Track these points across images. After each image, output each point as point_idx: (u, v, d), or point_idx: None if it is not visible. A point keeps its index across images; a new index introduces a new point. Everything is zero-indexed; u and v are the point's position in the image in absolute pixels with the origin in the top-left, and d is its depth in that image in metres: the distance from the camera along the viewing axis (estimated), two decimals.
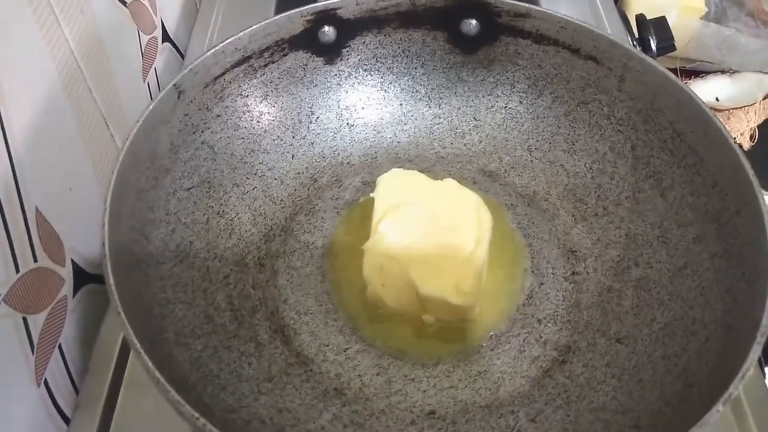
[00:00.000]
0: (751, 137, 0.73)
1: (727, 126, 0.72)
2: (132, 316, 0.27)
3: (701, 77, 0.79)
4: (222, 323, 0.34)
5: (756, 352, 0.26)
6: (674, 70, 0.67)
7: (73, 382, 0.39)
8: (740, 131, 0.72)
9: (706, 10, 0.81)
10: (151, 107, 0.34)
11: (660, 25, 0.63)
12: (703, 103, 0.35)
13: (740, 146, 0.69)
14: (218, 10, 0.64)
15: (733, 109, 0.71)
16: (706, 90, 0.77)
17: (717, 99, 0.76)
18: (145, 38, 0.52)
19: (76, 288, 0.40)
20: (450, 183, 0.39)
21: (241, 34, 0.39)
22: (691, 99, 0.36)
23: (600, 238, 0.39)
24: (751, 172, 0.32)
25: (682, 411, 0.28)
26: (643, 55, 0.38)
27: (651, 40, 0.62)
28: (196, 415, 0.24)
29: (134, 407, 0.37)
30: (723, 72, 0.79)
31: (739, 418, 0.37)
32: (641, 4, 0.77)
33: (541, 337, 0.36)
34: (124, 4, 0.48)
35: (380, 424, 0.32)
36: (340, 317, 0.37)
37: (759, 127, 0.72)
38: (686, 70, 0.80)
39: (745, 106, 0.71)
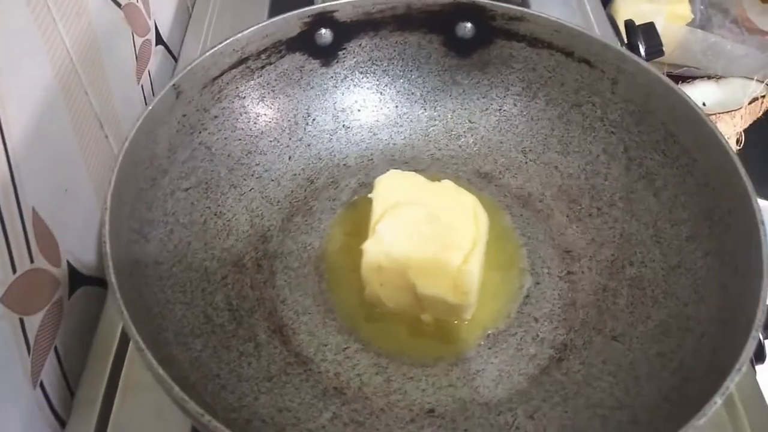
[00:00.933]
0: (738, 141, 0.74)
1: None
2: (133, 315, 0.27)
3: (688, 82, 0.80)
4: (221, 323, 0.34)
5: (751, 345, 0.26)
6: None
7: (68, 384, 0.39)
8: (727, 135, 0.73)
9: (693, 17, 0.83)
10: (151, 107, 0.34)
11: (648, 30, 0.64)
12: (696, 104, 0.36)
13: None
14: (211, 14, 0.64)
15: (719, 113, 0.72)
16: (693, 95, 0.78)
17: (704, 104, 0.77)
18: (139, 40, 0.52)
19: (72, 290, 0.40)
20: (447, 184, 0.40)
21: (239, 35, 0.39)
22: (683, 100, 0.36)
23: (594, 238, 0.40)
24: (743, 171, 0.32)
25: (679, 405, 0.29)
26: (635, 58, 0.38)
27: (640, 46, 0.63)
28: (201, 411, 0.24)
29: (131, 410, 0.37)
30: (709, 77, 0.80)
31: (733, 418, 0.37)
32: (629, 11, 0.78)
33: (538, 335, 0.36)
34: (119, 5, 0.48)
35: (380, 422, 0.32)
36: (338, 317, 0.37)
37: (745, 131, 0.74)
38: (673, 75, 0.81)
39: (731, 111, 0.72)
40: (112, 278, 0.27)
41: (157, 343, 0.29)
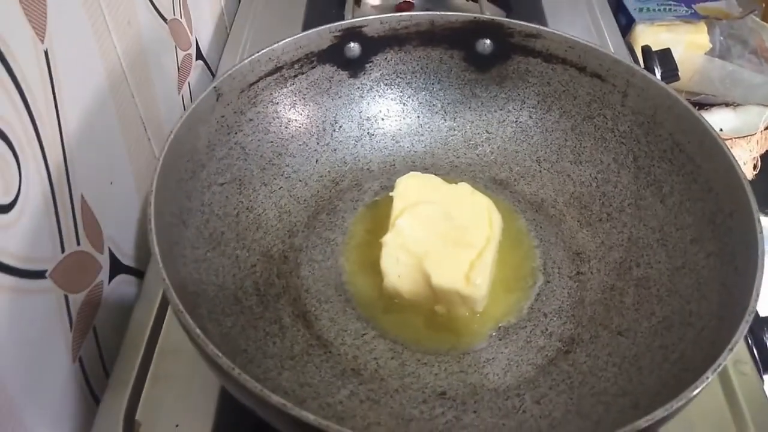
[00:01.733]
0: (755, 167, 0.76)
1: None
2: (173, 284, 0.29)
3: (706, 109, 0.82)
4: (249, 306, 0.37)
5: (744, 328, 0.28)
6: None
7: (104, 364, 0.42)
8: (743, 161, 0.74)
9: (711, 46, 0.85)
10: (194, 105, 0.37)
11: (664, 55, 0.67)
12: (700, 114, 0.38)
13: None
14: (247, 34, 0.68)
15: (735, 138, 0.74)
16: (711, 121, 0.80)
17: (721, 130, 0.79)
18: (181, 54, 0.56)
19: (111, 275, 0.43)
20: (464, 187, 0.42)
21: (275, 45, 0.42)
22: (688, 111, 0.39)
23: (604, 242, 0.42)
24: (743, 175, 0.34)
25: (677, 391, 0.30)
26: (644, 72, 0.41)
27: (656, 70, 0.66)
28: (232, 365, 0.26)
29: (160, 396, 0.39)
30: (727, 105, 0.82)
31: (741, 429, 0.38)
32: (648, 40, 0.80)
33: (546, 329, 0.38)
34: (165, 20, 0.52)
35: (394, 401, 0.34)
36: (357, 306, 0.39)
37: (762, 156, 0.75)
38: (691, 102, 0.83)
39: (747, 136, 0.73)
40: (156, 249, 0.29)
41: (192, 316, 0.32)
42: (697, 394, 0.27)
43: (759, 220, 0.32)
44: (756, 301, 0.29)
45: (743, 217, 0.34)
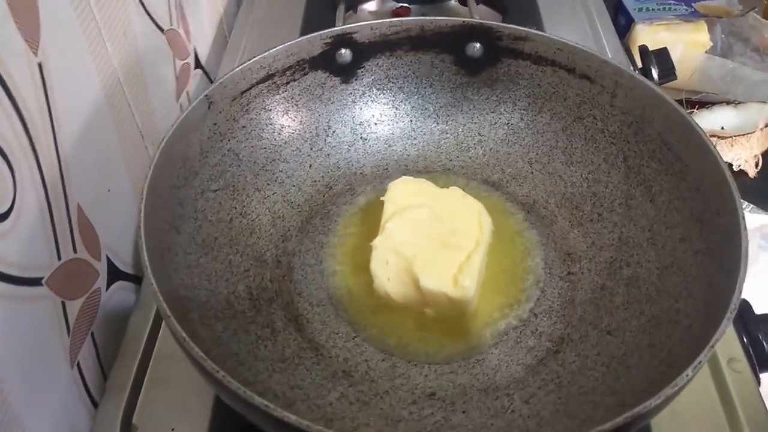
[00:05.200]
0: (756, 164, 0.75)
1: (730, 153, 0.75)
2: (163, 291, 0.30)
3: (707, 108, 0.82)
4: (241, 310, 0.38)
5: (726, 326, 0.28)
6: (680, 101, 0.69)
7: (102, 369, 0.43)
8: (744, 158, 0.74)
9: (712, 44, 0.85)
10: (185, 114, 0.38)
11: (661, 55, 0.67)
12: (687, 113, 0.38)
13: (746, 173, 0.71)
14: (246, 41, 0.69)
15: (735, 136, 0.74)
16: (712, 120, 0.80)
17: (722, 128, 0.79)
18: (179, 63, 0.57)
19: (109, 282, 0.44)
20: (455, 191, 0.42)
21: (266, 53, 0.43)
22: (675, 110, 0.39)
23: (594, 242, 0.42)
24: (728, 173, 0.34)
25: (663, 388, 0.30)
26: (632, 72, 0.41)
27: (653, 69, 0.66)
28: (216, 368, 0.27)
29: (156, 400, 0.40)
30: (728, 103, 0.81)
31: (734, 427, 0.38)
32: (648, 39, 0.80)
33: (537, 329, 0.38)
34: (162, 30, 0.53)
35: (384, 402, 0.35)
36: (348, 309, 0.39)
37: (763, 154, 0.75)
38: (692, 101, 0.83)
39: (746, 134, 0.73)
40: (145, 255, 0.30)
41: (183, 320, 0.32)
42: (678, 390, 0.27)
43: (743, 218, 0.32)
44: (738, 299, 0.29)
45: (728, 215, 0.34)
